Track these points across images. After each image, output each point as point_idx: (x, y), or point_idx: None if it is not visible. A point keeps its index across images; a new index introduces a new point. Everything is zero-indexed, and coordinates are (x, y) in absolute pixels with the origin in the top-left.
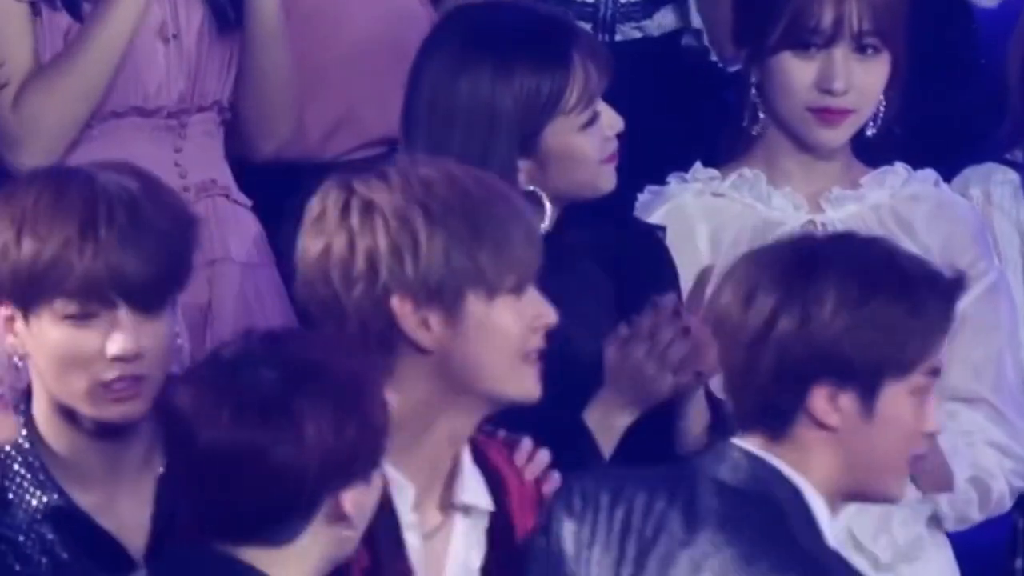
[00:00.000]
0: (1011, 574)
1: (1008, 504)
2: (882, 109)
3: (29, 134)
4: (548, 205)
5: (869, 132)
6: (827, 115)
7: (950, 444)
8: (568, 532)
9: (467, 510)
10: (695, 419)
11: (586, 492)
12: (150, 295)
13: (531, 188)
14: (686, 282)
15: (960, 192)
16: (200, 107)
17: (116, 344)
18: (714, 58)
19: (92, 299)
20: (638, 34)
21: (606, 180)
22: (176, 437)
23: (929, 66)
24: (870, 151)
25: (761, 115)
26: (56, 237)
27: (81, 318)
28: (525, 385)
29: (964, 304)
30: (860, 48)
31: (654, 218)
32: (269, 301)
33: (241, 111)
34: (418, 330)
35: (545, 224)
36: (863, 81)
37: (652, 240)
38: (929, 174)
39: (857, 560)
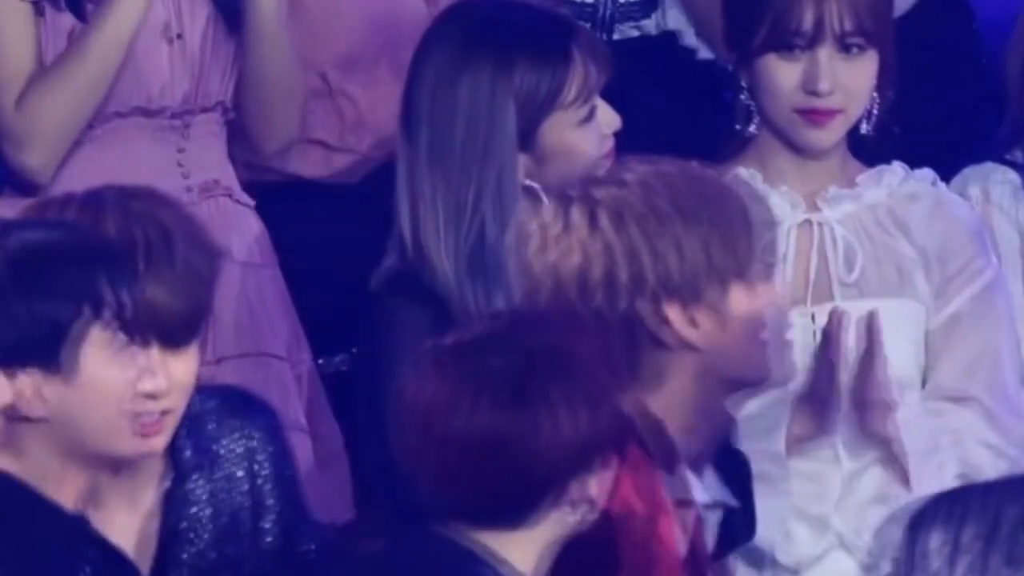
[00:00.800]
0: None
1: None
2: (875, 107)
3: (32, 133)
4: (546, 201)
5: (863, 130)
6: (814, 116)
7: (932, 441)
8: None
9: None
10: None
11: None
12: (183, 331)
13: (528, 183)
14: None
15: (959, 192)
16: (203, 107)
17: (150, 382)
18: (703, 56)
19: (126, 336)
20: (636, 33)
21: None
22: (423, 425)
23: (929, 66)
24: (868, 150)
25: (754, 116)
26: None
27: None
28: (765, 367)
29: (960, 302)
30: (844, 48)
31: None
32: (271, 302)
33: (243, 111)
34: (687, 329)
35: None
36: (849, 81)
37: None
38: (927, 173)
39: (845, 560)
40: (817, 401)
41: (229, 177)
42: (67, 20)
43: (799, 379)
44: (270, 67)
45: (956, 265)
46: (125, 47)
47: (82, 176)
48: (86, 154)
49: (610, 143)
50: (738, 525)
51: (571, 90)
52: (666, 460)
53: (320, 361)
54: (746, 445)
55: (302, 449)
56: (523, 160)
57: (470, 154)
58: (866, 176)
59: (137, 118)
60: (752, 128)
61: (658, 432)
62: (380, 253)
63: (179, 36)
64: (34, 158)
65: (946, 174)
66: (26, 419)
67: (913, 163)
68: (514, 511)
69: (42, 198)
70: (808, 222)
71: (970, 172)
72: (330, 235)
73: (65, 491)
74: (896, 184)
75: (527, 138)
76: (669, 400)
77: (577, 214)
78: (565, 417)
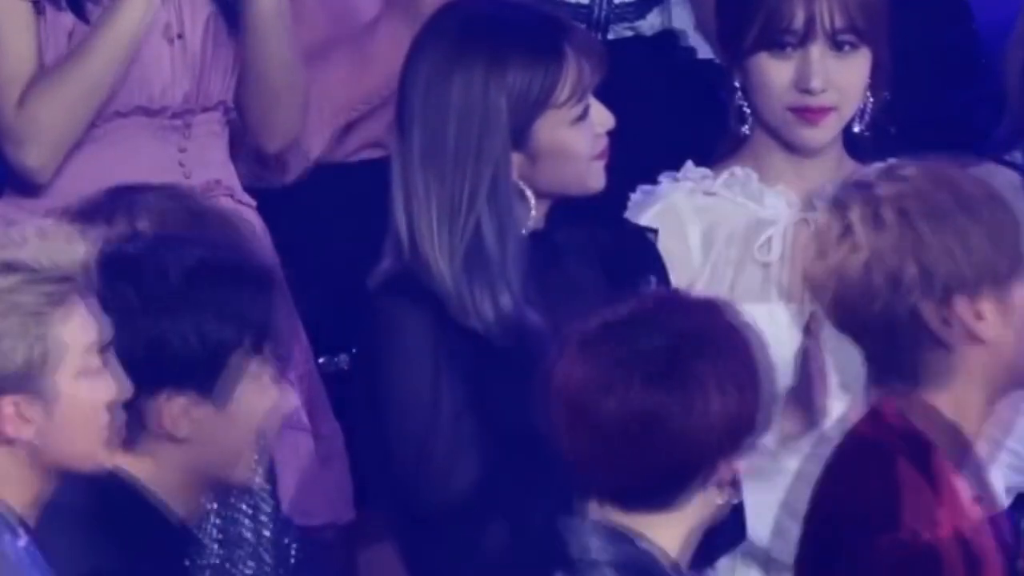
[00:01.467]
0: (1013, 574)
1: (1005, 500)
2: (869, 106)
3: (34, 134)
4: (532, 200)
5: (856, 129)
6: (807, 114)
7: None
8: None
9: None
10: None
11: None
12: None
13: (516, 183)
14: (678, 282)
15: None
16: (205, 107)
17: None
18: (703, 56)
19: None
20: (630, 34)
21: (595, 178)
22: (574, 408)
23: (927, 65)
24: (865, 149)
25: (748, 115)
26: None
27: None
28: None
29: None
30: (836, 45)
31: (646, 218)
32: None
33: (244, 109)
34: (975, 322)
35: (531, 220)
36: (842, 78)
37: (643, 242)
38: None
39: None
40: (804, 398)
41: (231, 176)
42: (67, 20)
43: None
44: (271, 65)
45: None
46: (130, 49)
47: (82, 176)
48: (87, 153)
49: (603, 143)
50: (727, 528)
51: (564, 89)
52: (963, 460)
53: (321, 360)
54: None
55: (304, 448)
56: (517, 159)
57: (464, 152)
58: (861, 175)
59: (138, 117)
60: (745, 128)
61: (954, 433)
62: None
63: (180, 36)
64: (34, 158)
65: None
66: (170, 437)
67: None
68: (665, 491)
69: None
70: (804, 221)
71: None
72: (330, 234)
73: (174, 506)
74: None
75: (520, 136)
76: (958, 400)
77: (858, 213)
78: (715, 395)
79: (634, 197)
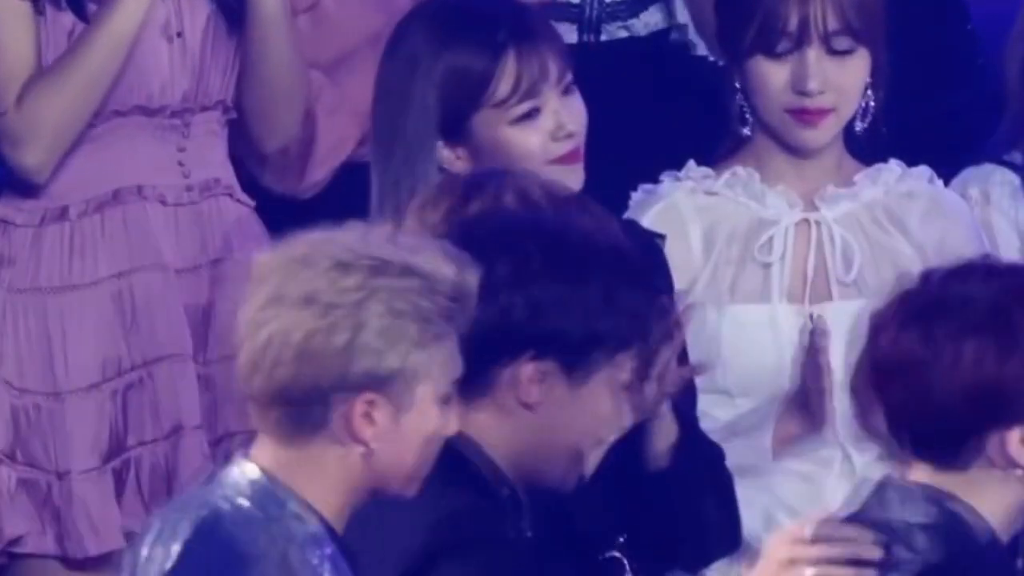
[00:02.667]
0: (1013, 574)
1: None
2: (870, 105)
3: (32, 133)
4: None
5: (858, 128)
6: (805, 116)
7: None
8: None
9: None
10: (663, 435)
11: None
12: None
13: (446, 169)
14: (679, 282)
15: (959, 192)
16: (204, 106)
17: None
18: (700, 52)
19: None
20: (624, 33)
21: (561, 181)
22: (898, 364)
23: (925, 66)
24: (864, 149)
25: (748, 116)
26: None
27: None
28: None
29: None
30: (832, 48)
31: (647, 217)
32: None
33: (244, 109)
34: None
35: None
36: (839, 80)
37: (651, 247)
38: (923, 171)
39: None
40: (807, 400)
41: (230, 176)
42: (67, 19)
43: (798, 378)
44: (273, 65)
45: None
46: (128, 47)
47: (81, 175)
48: (86, 152)
49: (568, 146)
50: (722, 534)
51: (501, 86)
52: None
53: None
54: (735, 441)
55: None
56: (460, 153)
57: (383, 136)
58: (863, 175)
59: (137, 116)
60: (746, 129)
61: None
62: None
63: (179, 35)
64: (32, 157)
65: (943, 173)
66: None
67: (910, 163)
68: (952, 451)
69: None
70: (806, 221)
71: (969, 173)
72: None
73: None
74: (893, 182)
75: (456, 130)
76: None
77: None
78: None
79: (635, 196)
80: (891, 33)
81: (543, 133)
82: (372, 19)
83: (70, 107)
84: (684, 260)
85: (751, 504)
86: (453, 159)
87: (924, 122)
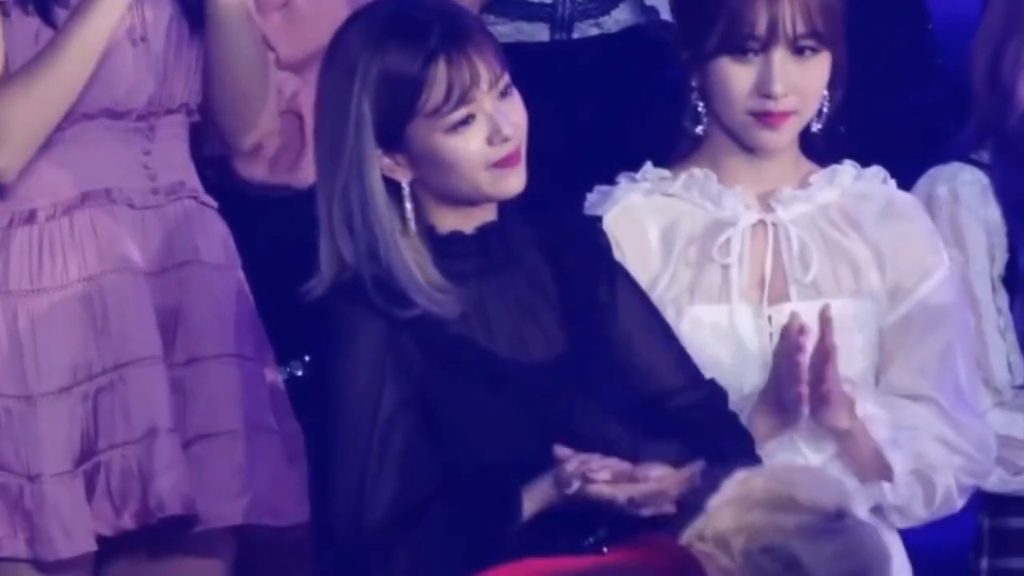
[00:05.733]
0: (976, 575)
1: (958, 502)
2: (826, 105)
3: (2, 135)
4: (410, 205)
5: (814, 128)
6: (768, 119)
7: (890, 436)
8: None
9: None
10: None
11: None
12: None
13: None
14: (640, 280)
15: (927, 192)
16: (168, 109)
17: None
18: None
19: None
20: (596, 31)
21: (496, 185)
22: None
23: (884, 65)
24: (821, 149)
25: (704, 117)
26: None
27: None
28: None
29: (911, 304)
30: (797, 50)
31: (605, 220)
32: (238, 302)
33: (214, 109)
34: None
35: (409, 219)
36: (803, 83)
37: (592, 232)
38: (877, 172)
39: None
40: (781, 400)
41: (193, 178)
42: (33, 23)
43: (757, 379)
44: (237, 64)
45: (909, 263)
46: (99, 51)
47: (49, 177)
48: (54, 155)
49: (507, 149)
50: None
51: (432, 97)
52: None
53: (306, 358)
54: None
55: (274, 449)
56: (401, 160)
57: (332, 141)
58: (819, 176)
59: (104, 120)
60: (700, 130)
61: None
62: None
63: (143, 39)
64: (2, 160)
65: (901, 173)
66: None
67: (868, 161)
68: None
69: None
70: (762, 223)
71: (937, 172)
72: (284, 239)
73: None
74: (848, 183)
75: (394, 140)
76: None
77: None
78: None
79: (591, 197)
80: (851, 32)
81: (479, 139)
82: (344, 15)
83: (40, 110)
84: (643, 261)
85: None
86: (393, 166)
87: (883, 121)
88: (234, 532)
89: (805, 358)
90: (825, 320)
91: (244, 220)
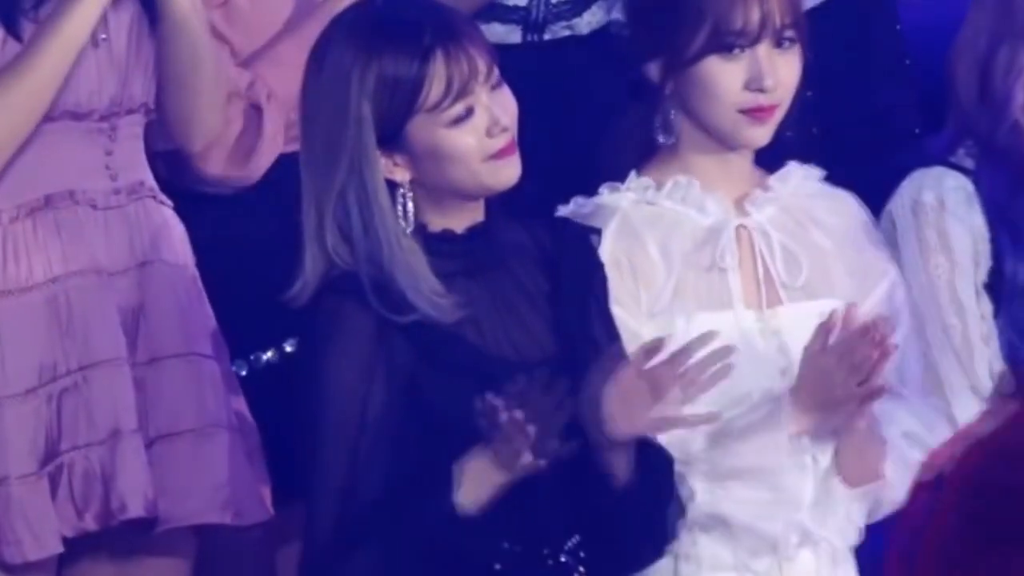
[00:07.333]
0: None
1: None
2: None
3: None
4: (411, 203)
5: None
6: (758, 113)
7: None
8: None
9: None
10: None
11: None
12: None
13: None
14: (646, 294)
15: (913, 196)
16: (129, 109)
17: None
18: None
19: None
20: (567, 32)
21: (495, 177)
22: None
23: (852, 66)
24: (790, 149)
25: (675, 125)
26: None
27: None
28: None
29: (867, 307)
30: (779, 43)
31: (605, 237)
32: (195, 301)
33: (165, 109)
34: None
35: (409, 219)
36: (785, 75)
37: (585, 241)
38: (817, 171)
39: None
40: (821, 397)
41: (151, 177)
42: None
43: (765, 384)
44: (189, 64)
45: (866, 259)
46: (76, 53)
47: (12, 179)
48: (15, 158)
49: (502, 140)
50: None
51: (432, 93)
52: None
53: (251, 357)
54: (744, 442)
55: (232, 447)
56: (401, 160)
57: (328, 145)
58: (775, 178)
59: (66, 121)
60: (662, 138)
61: None
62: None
63: (104, 39)
64: None
65: (869, 173)
66: None
67: (837, 163)
68: None
69: None
70: (743, 227)
71: (922, 177)
72: (250, 232)
73: None
74: (799, 182)
75: (394, 138)
76: None
77: None
78: None
79: (577, 208)
80: (821, 33)
81: (478, 131)
82: (284, 9)
83: (14, 116)
84: (649, 272)
85: (751, 503)
86: (392, 167)
87: (851, 121)
88: (195, 531)
89: (872, 352)
90: (878, 320)
91: (215, 210)
